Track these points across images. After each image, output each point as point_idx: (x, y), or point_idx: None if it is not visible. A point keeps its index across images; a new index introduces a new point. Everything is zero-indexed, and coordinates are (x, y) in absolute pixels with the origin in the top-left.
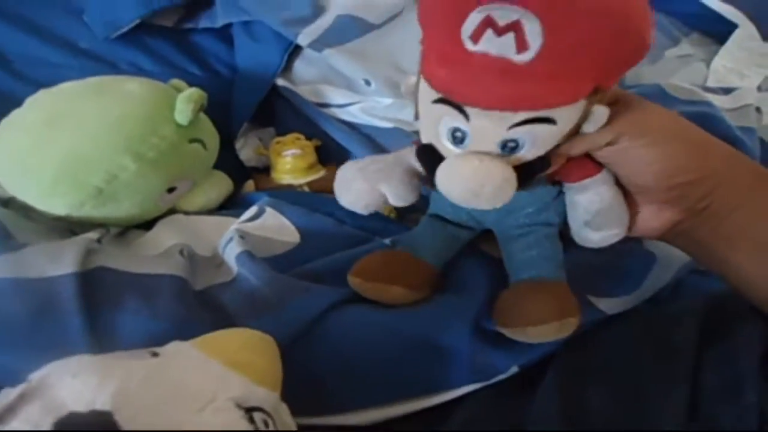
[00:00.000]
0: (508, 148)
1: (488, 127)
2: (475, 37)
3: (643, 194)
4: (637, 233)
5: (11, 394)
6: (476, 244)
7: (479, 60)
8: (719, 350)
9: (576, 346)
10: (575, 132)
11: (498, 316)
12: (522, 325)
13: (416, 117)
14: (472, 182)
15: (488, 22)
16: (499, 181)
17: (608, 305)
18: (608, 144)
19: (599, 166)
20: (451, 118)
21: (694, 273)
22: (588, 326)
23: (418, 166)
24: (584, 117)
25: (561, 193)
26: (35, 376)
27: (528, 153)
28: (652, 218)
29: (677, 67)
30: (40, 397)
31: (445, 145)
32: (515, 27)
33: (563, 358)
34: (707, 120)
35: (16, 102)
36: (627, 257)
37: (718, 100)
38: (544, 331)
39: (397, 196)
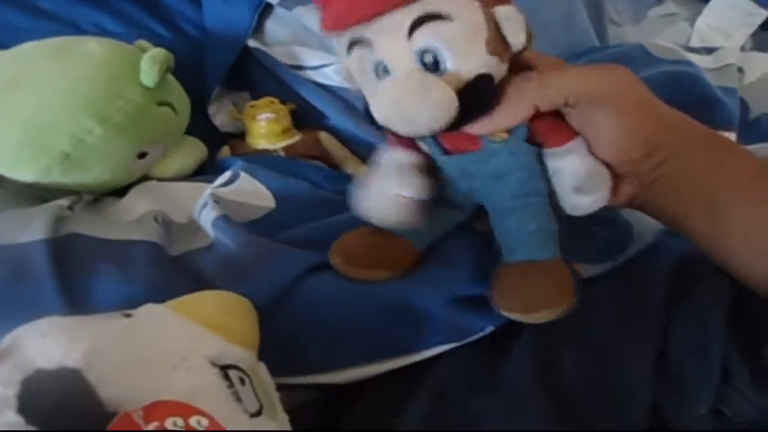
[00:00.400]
0: (431, 62)
1: (391, 41)
2: None
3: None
4: None
5: None
6: (464, 223)
7: None
8: (687, 308)
9: None
10: (503, 46)
11: (499, 298)
12: (527, 311)
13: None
14: (398, 94)
15: None
16: (417, 87)
17: (591, 272)
18: (568, 104)
19: (575, 131)
20: (363, 57)
21: (665, 234)
22: None
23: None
24: (492, 22)
25: (541, 159)
26: (6, 339)
27: (459, 66)
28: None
29: (661, 27)
30: (10, 357)
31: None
32: None
33: None
34: (688, 80)
35: None
36: (610, 226)
37: (700, 60)
38: (548, 315)
39: (411, 186)
